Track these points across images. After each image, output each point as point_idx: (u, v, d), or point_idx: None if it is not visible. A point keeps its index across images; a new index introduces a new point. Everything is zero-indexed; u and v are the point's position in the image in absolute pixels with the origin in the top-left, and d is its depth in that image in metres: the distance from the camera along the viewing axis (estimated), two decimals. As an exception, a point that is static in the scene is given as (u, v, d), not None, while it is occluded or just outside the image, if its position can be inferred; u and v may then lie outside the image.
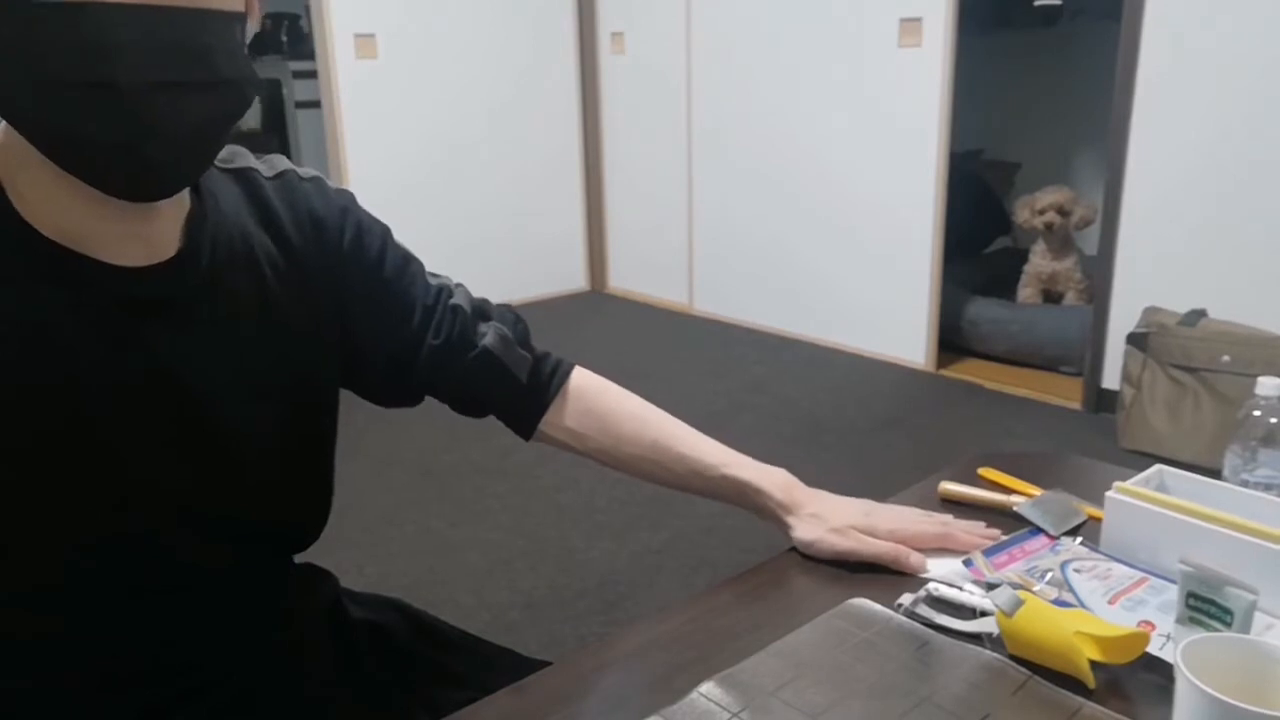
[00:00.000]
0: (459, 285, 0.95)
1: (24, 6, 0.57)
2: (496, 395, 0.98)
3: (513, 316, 0.99)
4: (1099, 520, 0.95)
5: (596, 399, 1.01)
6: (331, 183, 0.89)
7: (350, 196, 0.89)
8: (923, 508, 1.04)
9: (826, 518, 0.93)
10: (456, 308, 0.92)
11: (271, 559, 0.88)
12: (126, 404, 0.70)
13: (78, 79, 0.58)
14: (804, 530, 0.94)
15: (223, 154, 0.80)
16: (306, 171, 0.87)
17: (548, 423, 1.02)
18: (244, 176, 0.81)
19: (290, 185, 0.84)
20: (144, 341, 0.71)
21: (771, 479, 1.00)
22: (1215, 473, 0.97)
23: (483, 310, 0.95)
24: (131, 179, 0.63)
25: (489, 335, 0.94)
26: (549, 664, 0.86)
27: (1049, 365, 3.57)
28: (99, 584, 0.72)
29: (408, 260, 0.92)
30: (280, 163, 0.85)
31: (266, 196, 0.81)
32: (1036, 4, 4.20)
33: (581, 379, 1.02)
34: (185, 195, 0.73)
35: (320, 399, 0.86)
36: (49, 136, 0.61)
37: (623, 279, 4.94)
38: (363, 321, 0.87)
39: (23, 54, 0.58)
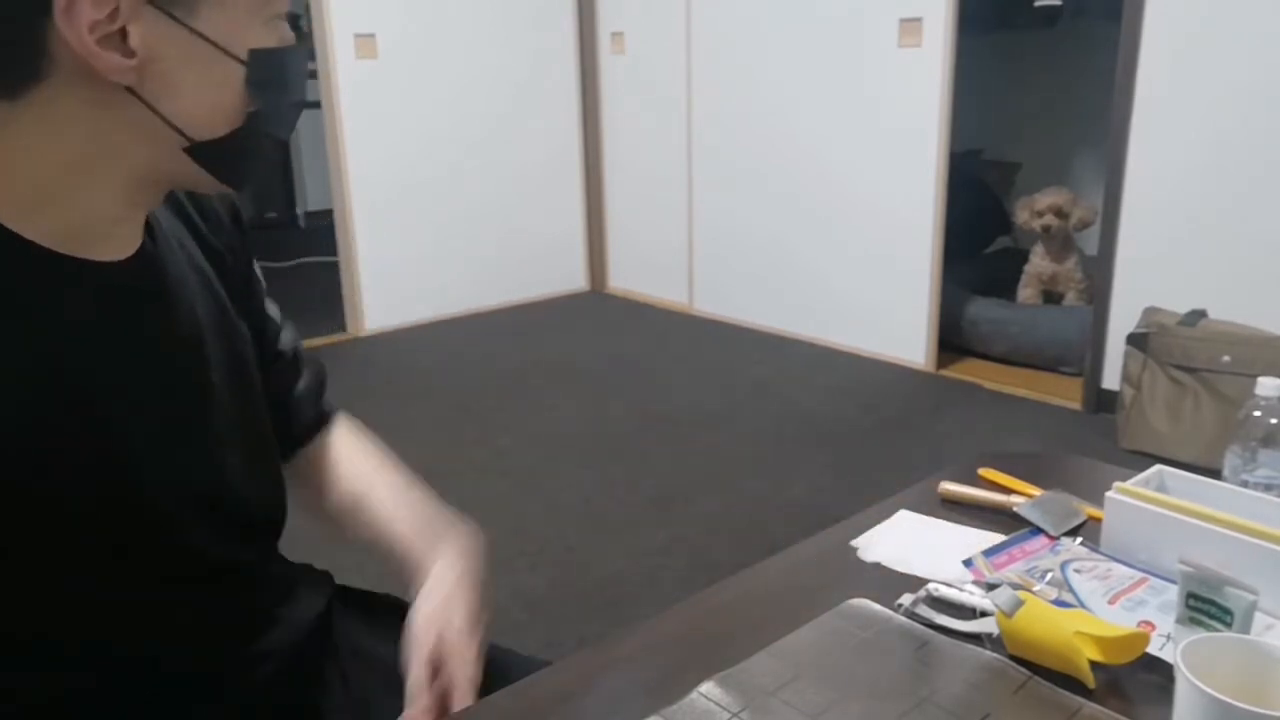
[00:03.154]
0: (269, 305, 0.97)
1: (291, 51, 0.70)
2: (282, 397, 0.95)
3: (318, 364, 1.02)
4: (1099, 520, 0.95)
5: (353, 490, 0.98)
6: None
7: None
8: (923, 508, 1.04)
9: (441, 605, 0.85)
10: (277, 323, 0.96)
11: (264, 548, 0.89)
12: (126, 386, 0.71)
13: (302, 98, 0.73)
14: (423, 592, 0.87)
15: None
16: None
17: (302, 455, 0.98)
18: None
19: None
20: (136, 326, 0.72)
21: (420, 542, 0.92)
22: (1215, 473, 0.97)
23: (297, 351, 0.98)
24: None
25: (293, 357, 0.97)
26: (549, 664, 0.86)
27: (1049, 365, 3.57)
28: (101, 577, 0.73)
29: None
30: None
31: None
32: (1036, 4, 4.20)
33: (344, 453, 1.00)
34: None
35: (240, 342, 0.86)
36: (268, 145, 0.72)
37: (623, 279, 4.94)
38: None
39: (285, 82, 0.71)
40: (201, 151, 0.68)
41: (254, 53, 0.66)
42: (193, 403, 0.76)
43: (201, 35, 0.64)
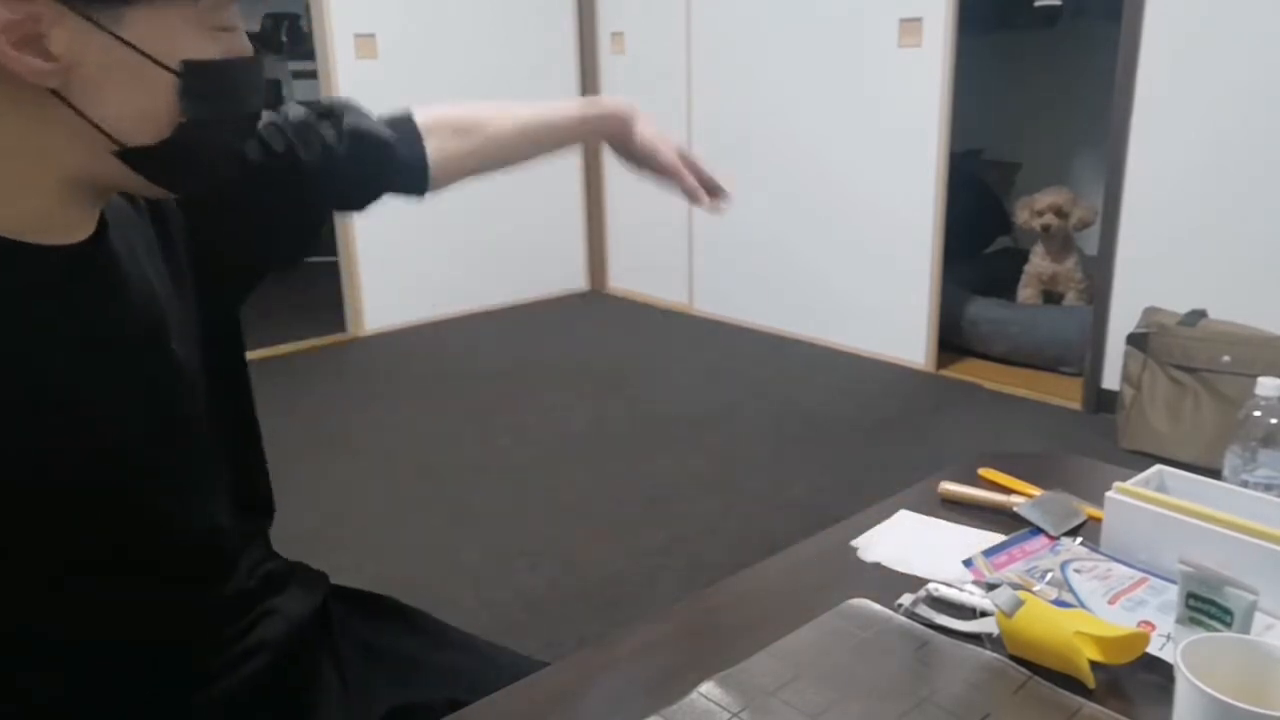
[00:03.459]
0: (281, 108, 0.94)
1: (234, 64, 0.69)
2: (381, 167, 1.00)
3: (344, 100, 1.02)
4: (1099, 520, 0.95)
5: (452, 119, 1.07)
6: None
7: None
8: (923, 508, 1.04)
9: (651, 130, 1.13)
10: (297, 125, 0.92)
11: (254, 535, 0.88)
12: (94, 365, 0.71)
13: (257, 111, 0.74)
14: (644, 125, 1.13)
15: None
16: None
17: (435, 165, 1.03)
18: None
19: None
20: (91, 313, 0.71)
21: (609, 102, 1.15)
22: (1215, 473, 0.97)
23: (316, 110, 0.97)
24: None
25: (342, 120, 0.97)
26: (548, 664, 0.86)
27: (1049, 365, 3.57)
28: (100, 575, 0.73)
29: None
30: None
31: None
32: (1036, 4, 4.20)
33: (425, 115, 1.06)
34: None
35: (221, 332, 0.85)
36: (214, 154, 0.72)
37: (623, 279, 4.94)
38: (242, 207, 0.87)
39: (230, 94, 0.70)
40: (134, 157, 0.67)
41: (188, 64, 0.65)
42: (163, 392, 0.75)
43: (128, 43, 0.63)
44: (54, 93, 0.63)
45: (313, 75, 4.26)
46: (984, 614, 0.82)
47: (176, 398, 0.77)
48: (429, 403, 3.44)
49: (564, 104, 1.14)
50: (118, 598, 0.74)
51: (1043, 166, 4.40)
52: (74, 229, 0.70)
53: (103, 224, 0.73)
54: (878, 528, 1.00)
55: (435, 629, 1.01)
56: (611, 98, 1.19)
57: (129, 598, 0.75)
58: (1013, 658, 0.77)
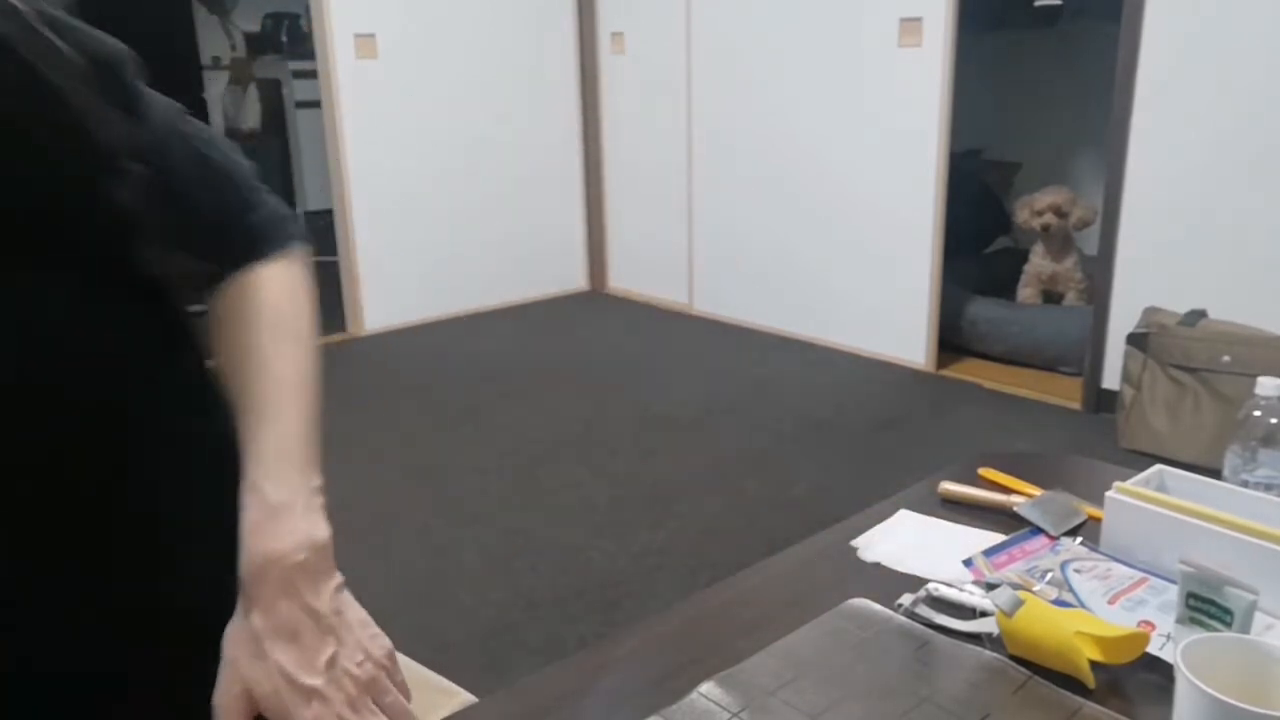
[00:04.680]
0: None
1: None
2: (204, 209, 0.78)
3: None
4: (1099, 520, 0.95)
5: (250, 298, 0.79)
6: None
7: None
8: (923, 508, 1.04)
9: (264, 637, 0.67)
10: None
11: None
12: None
13: None
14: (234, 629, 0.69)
15: None
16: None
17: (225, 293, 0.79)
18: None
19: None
20: None
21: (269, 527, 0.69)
22: (1215, 473, 0.97)
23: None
24: None
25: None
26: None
27: (1049, 365, 3.57)
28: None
29: None
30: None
31: None
32: (1036, 4, 4.20)
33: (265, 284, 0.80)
34: None
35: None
36: None
37: (623, 279, 4.94)
38: None
39: None
40: None
41: None
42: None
43: None
44: None
45: (313, 75, 4.26)
46: (984, 614, 0.82)
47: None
48: (429, 403, 3.44)
49: (261, 472, 0.72)
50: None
51: (1043, 166, 4.40)
52: None
53: None
54: (878, 528, 1.00)
55: None
56: (264, 561, 0.68)
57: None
58: (1013, 658, 0.77)
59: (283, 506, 0.70)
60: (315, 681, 0.66)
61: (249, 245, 0.81)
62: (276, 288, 0.80)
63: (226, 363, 0.77)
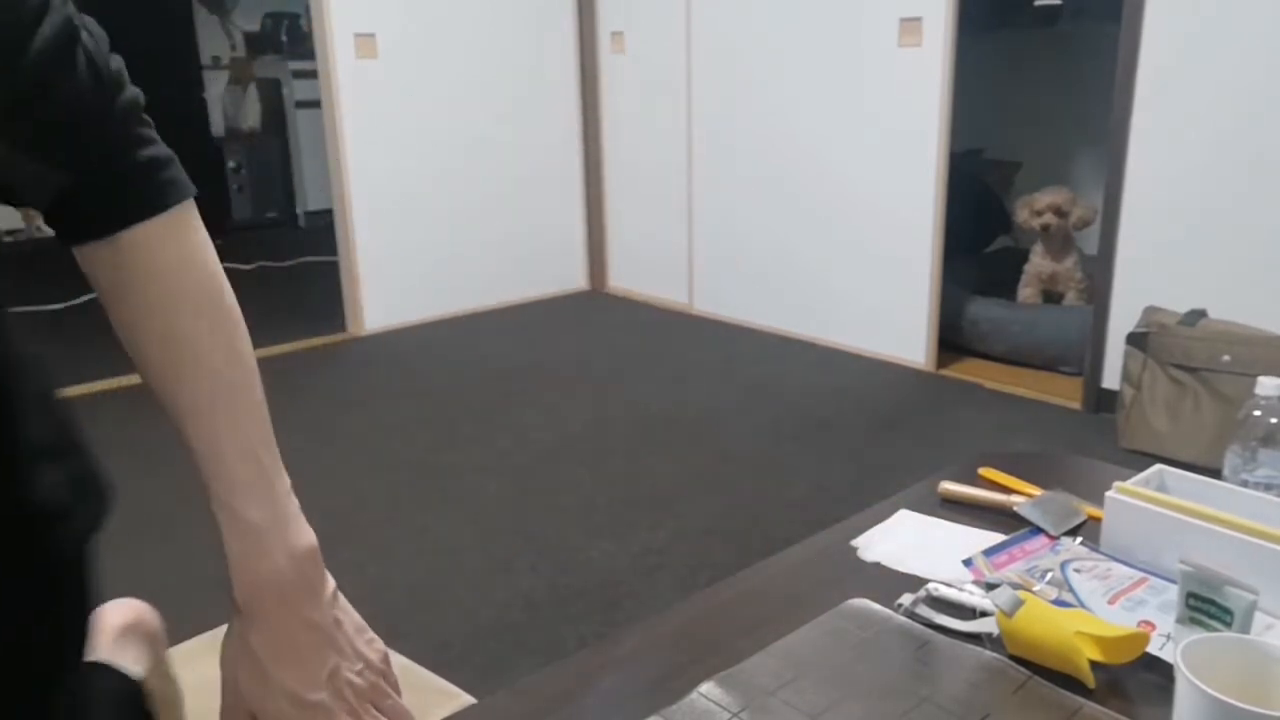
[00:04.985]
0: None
1: None
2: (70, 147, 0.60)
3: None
4: (1099, 520, 0.95)
5: (157, 260, 0.63)
6: None
7: None
8: (923, 508, 1.04)
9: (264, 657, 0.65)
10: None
11: None
12: None
13: None
14: (230, 647, 0.66)
15: None
16: None
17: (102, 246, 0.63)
18: None
19: None
20: None
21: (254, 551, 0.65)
22: (1215, 473, 0.97)
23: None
24: None
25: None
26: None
27: (1049, 365, 3.57)
28: None
29: None
30: None
31: None
32: (1036, 4, 4.20)
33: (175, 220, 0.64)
34: None
35: None
36: None
37: (623, 279, 4.94)
38: None
39: None
40: None
41: None
42: None
43: None
44: None
45: (313, 75, 4.26)
46: (984, 614, 0.82)
47: None
48: (429, 403, 3.45)
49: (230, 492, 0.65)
50: None
51: (1043, 166, 4.40)
52: None
53: None
54: (878, 527, 1.00)
55: None
56: (257, 584, 0.65)
57: None
58: (1013, 658, 0.77)
59: (263, 524, 0.65)
60: (319, 696, 0.65)
61: (138, 192, 0.64)
62: (187, 256, 0.65)
63: (136, 349, 0.65)
